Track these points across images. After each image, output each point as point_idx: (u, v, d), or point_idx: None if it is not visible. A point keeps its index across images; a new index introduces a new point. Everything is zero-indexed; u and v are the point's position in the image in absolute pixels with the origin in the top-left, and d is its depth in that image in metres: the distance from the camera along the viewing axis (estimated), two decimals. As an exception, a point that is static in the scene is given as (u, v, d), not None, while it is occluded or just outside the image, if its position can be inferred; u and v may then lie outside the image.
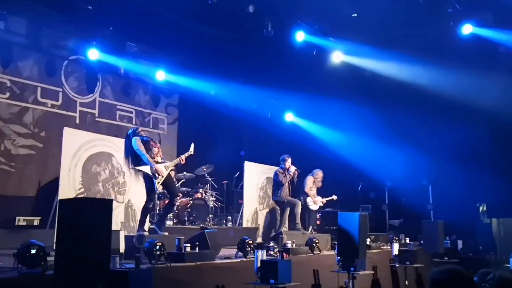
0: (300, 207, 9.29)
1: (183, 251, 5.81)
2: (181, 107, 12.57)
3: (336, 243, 6.66)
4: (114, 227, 7.00)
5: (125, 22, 9.60)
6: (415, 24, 9.95)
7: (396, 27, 9.98)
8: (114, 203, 7.33)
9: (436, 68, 10.18)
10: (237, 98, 12.53)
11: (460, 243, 10.20)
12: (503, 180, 9.87)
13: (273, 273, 4.90)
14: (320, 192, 10.44)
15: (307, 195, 9.97)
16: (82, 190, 7.75)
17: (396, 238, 9.39)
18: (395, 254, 7.59)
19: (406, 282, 7.37)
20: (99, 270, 3.67)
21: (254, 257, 5.31)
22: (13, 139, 9.12)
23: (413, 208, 11.27)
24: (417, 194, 11.29)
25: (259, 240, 9.62)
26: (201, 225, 9.09)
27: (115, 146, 8.30)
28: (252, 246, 6.49)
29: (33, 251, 4.41)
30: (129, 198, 8.42)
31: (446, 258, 8.87)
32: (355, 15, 10.06)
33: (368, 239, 8.18)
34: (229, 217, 11.10)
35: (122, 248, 5.98)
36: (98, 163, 8.09)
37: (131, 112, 11.40)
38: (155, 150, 6.85)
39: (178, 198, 9.06)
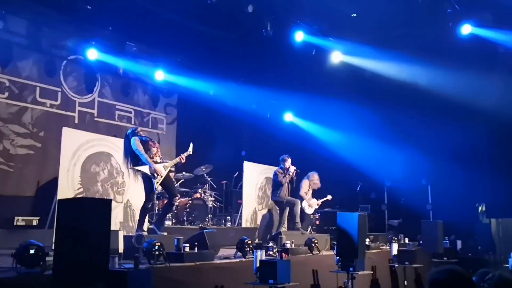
0: (299, 207, 9.27)
1: (182, 251, 5.80)
2: (180, 107, 12.57)
3: (335, 243, 6.66)
4: (113, 227, 7.00)
5: (125, 22, 9.59)
6: (414, 24, 9.95)
7: (396, 27, 9.98)
8: (113, 203, 7.36)
9: (436, 68, 10.18)
10: (236, 98, 12.53)
11: (459, 243, 10.19)
12: (502, 181, 9.86)
13: (272, 273, 4.90)
14: (316, 193, 10.38)
15: (302, 199, 9.91)
16: (81, 190, 7.75)
17: (395, 238, 9.38)
18: (394, 254, 7.59)
19: (405, 282, 7.38)
20: (98, 270, 3.66)
21: (253, 257, 5.31)
22: (12, 139, 9.11)
23: (412, 208, 11.27)
24: (417, 194, 11.29)
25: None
26: (200, 225, 9.08)
27: (114, 146, 8.30)
28: (251, 246, 6.49)
29: (32, 251, 4.40)
30: (128, 198, 8.42)
31: (445, 258, 8.86)
32: (354, 15, 10.05)
33: (367, 239, 8.18)
34: (228, 217, 11.11)
35: (121, 248, 5.97)
36: (97, 163, 8.09)
37: (130, 112, 11.39)
38: (154, 150, 6.85)
39: (177, 198, 9.03)
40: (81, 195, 7.60)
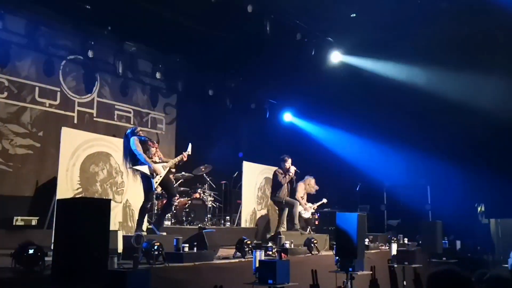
0: (298, 207, 9.27)
1: (181, 251, 5.80)
2: (180, 107, 12.56)
3: (335, 243, 6.65)
4: (112, 227, 6.97)
5: (124, 21, 9.59)
6: (414, 24, 9.94)
7: (395, 27, 9.98)
8: (112, 203, 7.35)
9: (434, 68, 10.19)
10: (235, 98, 12.54)
11: (458, 244, 10.20)
12: (501, 181, 9.87)
13: (271, 273, 4.89)
14: (312, 195, 10.32)
15: (299, 203, 9.86)
16: (80, 190, 7.74)
17: (395, 239, 9.39)
18: (394, 254, 7.58)
19: (405, 283, 7.36)
20: (97, 270, 3.66)
21: (252, 257, 5.30)
22: (11, 139, 9.09)
23: (412, 208, 11.28)
24: (416, 195, 11.31)
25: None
26: (199, 225, 9.07)
27: (113, 146, 8.29)
28: (250, 246, 6.49)
29: (30, 251, 4.40)
30: (127, 198, 8.41)
31: (444, 259, 8.87)
32: (354, 15, 10.05)
33: (367, 239, 8.20)
34: (228, 217, 11.10)
35: (120, 248, 5.96)
36: (96, 163, 8.08)
37: (129, 112, 11.38)
38: (153, 150, 6.86)
39: (176, 198, 9.04)
40: (80, 195, 7.59)
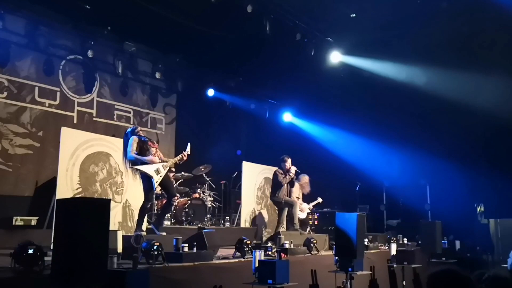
0: (297, 207, 9.27)
1: (180, 251, 5.80)
2: (179, 107, 12.56)
3: (334, 243, 6.65)
4: (112, 227, 6.96)
5: (123, 21, 9.58)
6: (414, 24, 9.94)
7: (395, 27, 9.98)
8: (112, 203, 7.32)
9: (434, 68, 10.19)
10: (235, 98, 12.55)
11: (457, 244, 10.20)
12: (500, 181, 9.88)
13: (271, 273, 4.88)
14: (308, 195, 10.27)
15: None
16: (80, 190, 7.74)
17: (394, 239, 9.38)
18: (393, 255, 7.58)
19: (404, 283, 7.36)
20: (97, 270, 3.66)
21: (252, 257, 5.30)
22: (11, 139, 9.09)
23: (411, 208, 11.29)
24: (415, 195, 11.31)
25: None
26: (199, 225, 9.07)
27: (113, 146, 8.29)
28: (250, 246, 6.49)
29: (30, 251, 4.39)
30: (126, 198, 8.41)
31: (444, 259, 8.87)
32: (354, 15, 10.06)
33: (366, 240, 8.19)
34: (227, 217, 11.10)
35: (119, 248, 5.96)
36: (96, 163, 8.08)
37: (129, 112, 11.38)
38: (153, 150, 6.85)
39: (176, 198, 9.05)
40: (79, 195, 7.59)
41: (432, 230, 8.92)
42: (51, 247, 4.18)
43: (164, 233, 6.80)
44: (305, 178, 9.83)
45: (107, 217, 3.85)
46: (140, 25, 9.73)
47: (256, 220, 10.49)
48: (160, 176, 6.74)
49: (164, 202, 8.13)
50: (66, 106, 10.05)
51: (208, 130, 12.08)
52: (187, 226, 9.39)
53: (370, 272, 6.34)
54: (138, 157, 6.65)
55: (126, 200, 8.40)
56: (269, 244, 7.25)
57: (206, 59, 11.11)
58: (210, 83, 12.29)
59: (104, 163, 8.21)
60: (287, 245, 7.22)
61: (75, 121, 10.11)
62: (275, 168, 9.29)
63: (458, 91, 9.97)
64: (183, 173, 10.12)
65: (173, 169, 8.88)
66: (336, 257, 5.98)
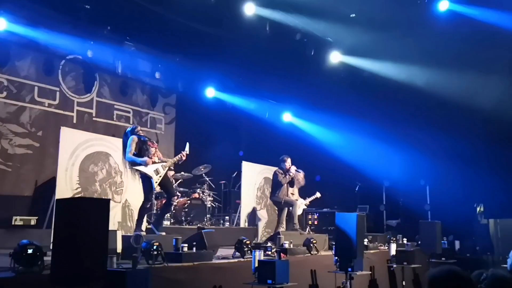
0: (297, 207, 9.26)
1: (180, 251, 5.80)
2: (179, 107, 12.56)
3: (334, 243, 6.65)
4: (111, 227, 6.97)
5: (123, 21, 9.58)
6: (413, 24, 9.94)
7: (394, 27, 9.97)
8: (111, 203, 7.35)
9: (434, 68, 10.18)
10: (234, 97, 12.54)
11: (457, 244, 10.21)
12: (500, 181, 9.88)
13: (270, 273, 4.88)
14: (305, 191, 10.23)
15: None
16: (79, 189, 7.73)
17: (394, 239, 9.38)
18: (393, 255, 7.58)
19: (404, 283, 7.37)
20: (96, 270, 3.66)
21: (251, 257, 5.30)
22: (10, 139, 9.09)
23: (411, 208, 11.28)
24: (415, 195, 11.30)
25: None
26: (198, 225, 9.07)
27: (113, 145, 8.29)
28: (249, 246, 6.48)
29: (29, 251, 4.39)
30: (126, 198, 8.41)
31: (443, 259, 8.86)
32: (353, 15, 10.05)
33: (366, 240, 8.18)
34: (227, 217, 11.10)
35: (119, 248, 5.96)
36: (95, 163, 8.08)
37: (129, 112, 11.38)
38: (153, 150, 6.84)
39: (176, 198, 9.04)
40: (79, 195, 7.59)
41: (432, 230, 8.91)
42: (51, 247, 4.18)
43: (163, 233, 6.80)
44: (300, 175, 9.81)
45: (106, 217, 3.85)
46: (140, 25, 9.72)
47: (256, 220, 10.49)
48: (160, 176, 6.74)
49: (163, 202, 8.12)
50: (65, 106, 10.05)
51: (208, 130, 12.06)
52: (187, 226, 9.39)
53: (370, 272, 6.35)
54: (134, 158, 6.63)
55: (126, 200, 8.40)
56: (269, 244, 7.25)
57: (206, 59, 11.10)
58: (210, 83, 12.28)
59: (104, 163, 8.21)
60: (286, 245, 7.22)
61: (74, 121, 10.11)
62: (274, 168, 9.29)
63: (458, 91, 9.97)
64: (182, 173, 10.12)
65: (172, 169, 8.87)
66: (336, 257, 5.98)
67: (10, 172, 9.00)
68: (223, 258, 6.43)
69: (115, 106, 11.07)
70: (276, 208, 9.60)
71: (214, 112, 12.07)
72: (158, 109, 12.14)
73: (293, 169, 9.02)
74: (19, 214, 8.22)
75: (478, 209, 10.50)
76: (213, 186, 10.90)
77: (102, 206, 3.87)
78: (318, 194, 10.17)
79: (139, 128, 6.95)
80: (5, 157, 8.96)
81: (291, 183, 9.20)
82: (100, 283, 3.66)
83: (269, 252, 6.82)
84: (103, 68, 10.65)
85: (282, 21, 9.87)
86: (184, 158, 7.06)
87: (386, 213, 11.93)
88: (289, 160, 9.08)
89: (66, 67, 10.16)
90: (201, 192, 10.30)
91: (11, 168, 9.02)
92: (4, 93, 9.10)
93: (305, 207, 10.13)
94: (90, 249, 3.63)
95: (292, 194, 9.58)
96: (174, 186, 9.12)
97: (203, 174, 10.58)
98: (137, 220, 6.81)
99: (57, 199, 4.44)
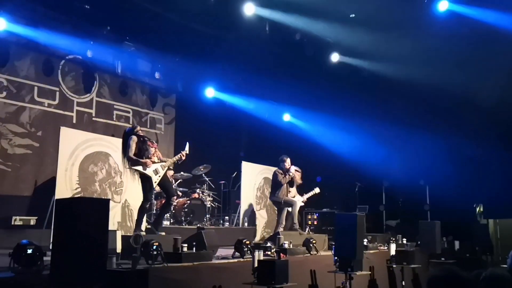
0: (297, 207, 9.25)
1: (180, 251, 5.79)
2: (179, 107, 12.56)
3: (333, 243, 6.65)
4: (111, 227, 6.98)
5: (123, 21, 9.58)
6: (413, 24, 9.94)
7: (394, 27, 9.98)
8: (111, 203, 7.31)
9: (433, 68, 10.19)
10: (234, 97, 12.54)
11: (457, 244, 10.21)
12: (500, 181, 9.89)
13: (270, 273, 4.88)
14: (303, 188, 10.09)
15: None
16: (79, 189, 7.74)
17: (393, 239, 9.38)
18: (392, 255, 7.58)
19: (403, 283, 7.36)
20: (96, 270, 3.66)
21: (251, 257, 5.30)
22: (10, 139, 9.09)
23: (410, 208, 11.29)
24: (414, 195, 11.31)
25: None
26: (198, 225, 9.06)
27: (112, 145, 8.29)
28: (249, 246, 6.48)
29: (29, 251, 4.39)
30: (126, 198, 8.41)
31: (443, 259, 8.87)
32: (353, 15, 10.05)
33: (365, 240, 8.19)
34: (226, 217, 11.10)
35: (118, 248, 5.96)
36: (95, 163, 8.08)
37: (128, 112, 11.38)
38: (152, 150, 6.83)
39: (175, 198, 9.04)
40: (79, 195, 7.59)
41: (432, 230, 8.91)
42: (50, 247, 4.18)
43: (163, 233, 6.79)
44: (297, 174, 9.75)
45: (106, 217, 3.85)
46: (140, 25, 9.73)
47: (256, 220, 10.49)
48: (159, 176, 6.73)
49: (163, 202, 8.12)
50: (65, 106, 10.04)
51: (208, 130, 12.06)
52: (186, 226, 9.39)
53: (370, 272, 6.34)
54: (134, 158, 6.63)
55: (125, 200, 8.40)
56: (269, 244, 7.24)
57: (206, 59, 11.10)
58: (209, 83, 12.28)
59: (104, 163, 8.21)
60: (286, 245, 7.22)
61: (74, 121, 10.11)
62: (274, 168, 9.29)
63: (457, 91, 9.98)
64: (182, 173, 10.12)
65: (172, 168, 8.87)
66: (336, 257, 5.98)
67: (10, 172, 9.00)
68: (223, 258, 6.43)
69: (115, 106, 11.07)
70: (276, 208, 9.59)
71: (214, 112, 12.07)
72: (158, 109, 12.14)
73: (293, 169, 9.01)
74: (19, 214, 8.22)
75: (477, 209, 10.51)
76: (213, 186, 10.90)
77: (101, 206, 3.87)
78: (317, 190, 9.67)
79: (138, 128, 6.93)
80: (4, 157, 8.96)
81: (291, 183, 9.20)
82: (100, 283, 3.66)
83: (269, 252, 6.82)
84: (103, 68, 10.65)
85: (282, 21, 9.88)
86: (183, 158, 7.06)
87: (385, 213, 11.94)
88: (288, 160, 9.07)
89: (66, 67, 10.16)
90: (200, 192, 10.29)
91: (11, 168, 9.02)
92: (4, 93, 9.09)
93: (302, 204, 9.87)
94: (90, 249, 3.63)
95: (289, 192, 9.32)
96: (174, 186, 9.12)
97: (203, 174, 10.59)
98: (136, 220, 6.80)
99: (56, 199, 4.44)
